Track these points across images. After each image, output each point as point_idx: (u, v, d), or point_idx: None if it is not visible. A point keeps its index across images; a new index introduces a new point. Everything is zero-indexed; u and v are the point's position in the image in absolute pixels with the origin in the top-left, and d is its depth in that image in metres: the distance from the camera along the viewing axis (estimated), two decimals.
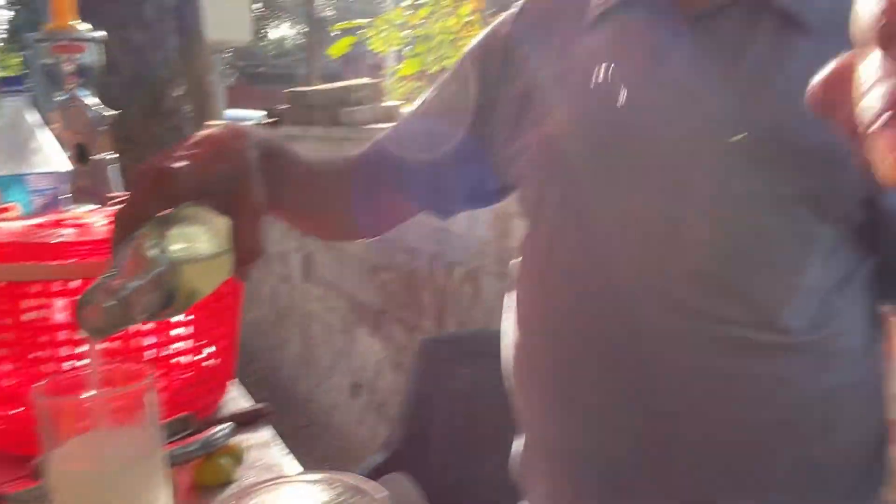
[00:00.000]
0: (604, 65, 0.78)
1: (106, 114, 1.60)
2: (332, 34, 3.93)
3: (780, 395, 0.73)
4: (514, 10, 0.90)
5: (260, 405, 0.90)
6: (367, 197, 0.92)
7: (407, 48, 5.64)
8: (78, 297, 0.48)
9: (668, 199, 0.72)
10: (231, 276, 0.60)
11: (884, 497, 0.84)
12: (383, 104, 3.14)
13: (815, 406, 0.74)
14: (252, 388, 1.02)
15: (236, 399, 0.97)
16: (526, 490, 0.90)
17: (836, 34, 0.69)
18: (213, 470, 0.75)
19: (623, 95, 0.76)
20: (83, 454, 0.53)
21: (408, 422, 1.71)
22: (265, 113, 3.94)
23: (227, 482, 0.76)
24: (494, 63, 0.87)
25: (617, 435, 0.76)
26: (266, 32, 28.21)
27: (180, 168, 0.57)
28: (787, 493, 0.75)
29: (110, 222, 0.79)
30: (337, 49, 3.41)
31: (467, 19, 4.68)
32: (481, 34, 0.93)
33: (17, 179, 1.09)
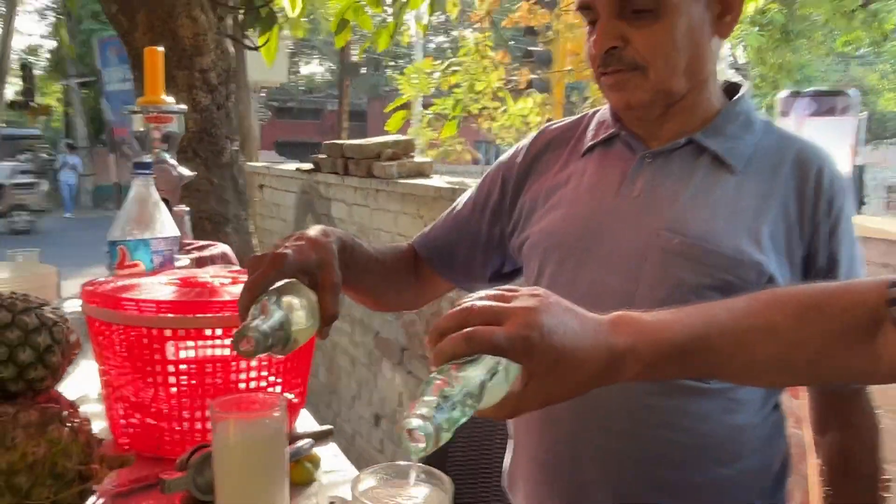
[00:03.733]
0: (589, 181, 1.00)
1: (185, 173, 1.81)
2: (384, 111, 4.18)
3: (700, 426, 0.91)
4: (529, 137, 1.13)
5: (328, 426, 1.12)
6: (414, 276, 1.14)
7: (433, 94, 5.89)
8: (235, 330, 0.68)
9: (626, 279, 0.91)
10: (316, 334, 0.79)
11: None
12: (415, 159, 3.35)
13: (726, 437, 0.92)
14: None
15: (304, 421, 1.18)
16: (511, 492, 1.07)
17: (760, 175, 0.93)
18: (300, 472, 0.96)
19: (591, 205, 0.98)
20: (240, 452, 0.77)
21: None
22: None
23: (309, 481, 0.97)
24: (518, 175, 1.09)
25: (582, 448, 0.93)
26: (297, 69, 28.71)
27: (288, 254, 0.79)
28: (714, 499, 0.93)
29: (238, 283, 1.02)
30: (393, 124, 3.70)
31: (497, 85, 4.94)
32: (507, 152, 1.15)
33: (143, 243, 1.26)
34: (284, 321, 0.73)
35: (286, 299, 0.76)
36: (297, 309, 0.76)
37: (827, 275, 0.93)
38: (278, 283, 0.77)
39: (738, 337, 0.67)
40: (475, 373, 0.57)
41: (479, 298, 0.63)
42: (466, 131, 5.46)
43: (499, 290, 0.65)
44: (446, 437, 0.54)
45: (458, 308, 0.62)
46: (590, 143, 1.04)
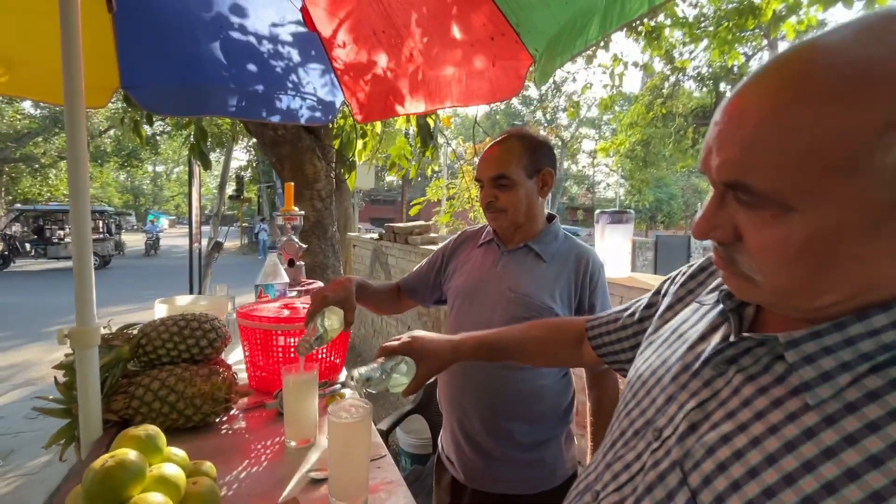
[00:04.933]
0: (476, 262, 1.05)
1: (303, 246, 1.97)
2: (411, 204, 4.33)
3: (523, 384, 0.95)
4: (456, 234, 1.15)
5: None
6: (398, 300, 1.18)
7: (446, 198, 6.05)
8: (295, 342, 0.82)
9: (490, 314, 0.95)
10: (343, 332, 0.90)
11: (570, 429, 1.01)
12: (430, 234, 3.46)
13: (538, 390, 0.96)
14: (356, 359, 1.26)
15: (342, 375, 1.23)
16: (441, 406, 1.08)
17: (558, 264, 1.02)
18: (332, 399, 1.04)
19: (478, 274, 1.03)
20: (296, 389, 0.86)
21: (425, 391, 1.91)
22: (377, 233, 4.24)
23: None
24: (448, 255, 1.12)
25: (464, 391, 0.98)
26: (383, 178, 29.21)
27: (328, 293, 0.86)
28: (529, 423, 0.96)
29: (306, 308, 1.14)
30: (413, 210, 3.85)
31: (475, 196, 5.09)
32: (447, 240, 1.15)
33: (271, 286, 1.35)
34: (322, 333, 0.81)
35: (328, 314, 0.85)
36: (332, 319, 0.83)
37: (590, 313, 0.94)
38: (324, 309, 0.85)
39: (518, 341, 0.74)
40: (388, 363, 0.69)
41: (394, 340, 0.72)
42: (462, 213, 5.77)
43: (408, 335, 0.72)
44: (370, 386, 0.65)
45: (385, 345, 0.72)
46: (481, 242, 1.07)
